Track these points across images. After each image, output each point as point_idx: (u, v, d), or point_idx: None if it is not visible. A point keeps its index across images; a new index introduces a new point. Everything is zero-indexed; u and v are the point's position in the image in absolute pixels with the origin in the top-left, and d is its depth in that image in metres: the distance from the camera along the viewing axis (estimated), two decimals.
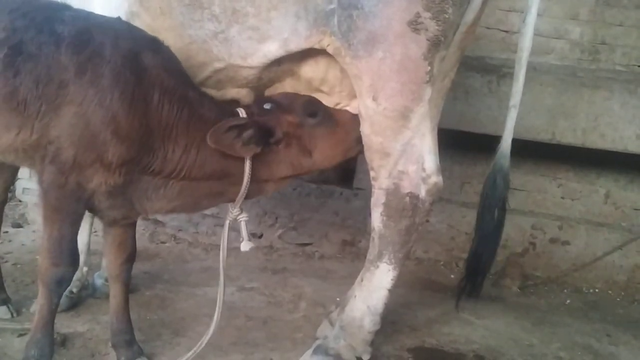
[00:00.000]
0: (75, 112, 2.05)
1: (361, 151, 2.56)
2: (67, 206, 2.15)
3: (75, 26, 2.13)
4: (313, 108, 2.41)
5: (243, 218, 2.47)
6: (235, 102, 2.66)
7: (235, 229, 4.32)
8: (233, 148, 2.21)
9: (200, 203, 2.44)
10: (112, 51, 2.10)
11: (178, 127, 2.21)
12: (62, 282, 2.23)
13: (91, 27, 2.15)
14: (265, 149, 2.30)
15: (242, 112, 2.35)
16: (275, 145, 2.35)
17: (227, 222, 2.50)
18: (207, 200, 2.44)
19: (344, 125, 2.48)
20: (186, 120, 2.21)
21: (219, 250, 2.56)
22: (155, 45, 2.27)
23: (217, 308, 2.50)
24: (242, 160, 2.29)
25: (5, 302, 2.88)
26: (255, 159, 2.31)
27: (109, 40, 2.12)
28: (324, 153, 2.44)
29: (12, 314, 2.86)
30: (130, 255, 2.51)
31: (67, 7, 2.26)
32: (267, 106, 2.37)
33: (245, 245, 2.49)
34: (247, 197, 2.42)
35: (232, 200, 2.43)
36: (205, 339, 2.48)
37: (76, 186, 2.12)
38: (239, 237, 4.38)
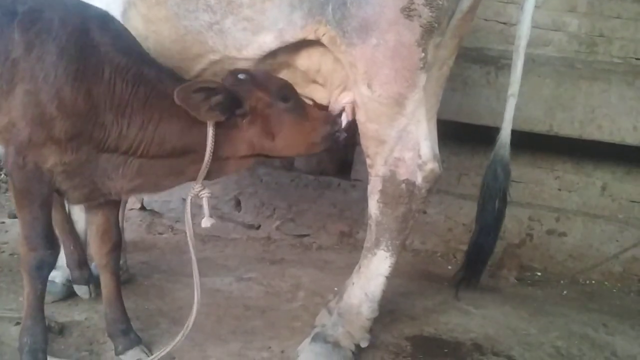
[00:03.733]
0: (25, 90, 2.05)
1: (327, 148, 2.52)
2: (31, 188, 2.14)
3: (30, 4, 2.14)
4: (286, 93, 2.35)
5: (205, 194, 2.40)
6: None
7: (233, 220, 4.37)
8: (198, 110, 2.15)
9: (162, 182, 2.38)
10: (59, 27, 2.09)
11: (133, 104, 2.17)
12: (42, 267, 2.22)
13: (43, 5, 2.15)
14: (228, 121, 2.24)
15: None
16: (240, 119, 2.28)
17: (189, 198, 2.43)
18: (169, 179, 2.38)
19: (313, 120, 2.42)
20: (142, 97, 2.18)
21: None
22: (106, 22, 2.23)
23: (195, 288, 2.45)
24: (203, 137, 2.23)
25: None
26: (216, 134, 2.25)
27: (58, 16, 2.11)
28: (286, 141, 2.36)
29: None
30: (115, 244, 2.51)
31: None
32: (241, 76, 2.31)
33: (206, 222, 2.42)
34: (209, 177, 2.38)
35: (194, 179, 2.38)
36: (191, 320, 2.44)
37: (34, 167, 2.11)
38: (236, 228, 4.44)
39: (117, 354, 2.51)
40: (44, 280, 2.27)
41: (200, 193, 2.39)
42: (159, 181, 2.36)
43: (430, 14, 2.25)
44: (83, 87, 2.08)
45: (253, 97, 2.28)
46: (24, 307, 2.28)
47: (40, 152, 2.10)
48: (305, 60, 2.59)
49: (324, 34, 2.40)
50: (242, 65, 2.56)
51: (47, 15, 2.11)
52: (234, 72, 2.35)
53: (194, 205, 2.42)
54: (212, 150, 2.24)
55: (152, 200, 4.53)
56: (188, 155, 2.29)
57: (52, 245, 2.23)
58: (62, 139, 2.09)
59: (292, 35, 2.43)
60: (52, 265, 2.28)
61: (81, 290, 2.96)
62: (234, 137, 2.30)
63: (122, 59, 2.16)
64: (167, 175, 2.34)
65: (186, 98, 2.12)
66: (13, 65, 2.07)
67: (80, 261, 2.99)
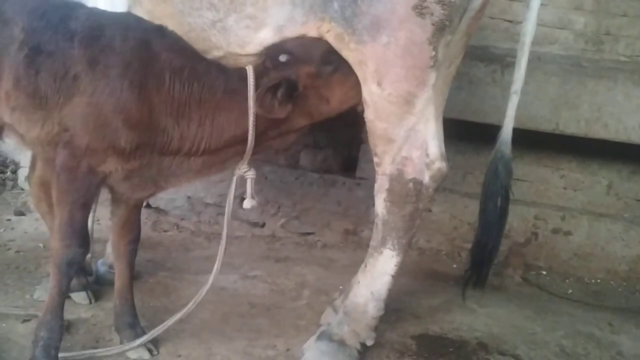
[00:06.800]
0: (87, 102, 2.14)
1: None
2: (78, 189, 2.20)
3: (88, 22, 2.24)
4: (327, 55, 2.40)
5: (250, 175, 2.48)
6: None
7: (238, 218, 4.38)
8: (272, 110, 2.25)
9: (226, 165, 2.50)
10: (121, 44, 2.20)
11: (190, 103, 2.27)
12: (73, 263, 2.27)
13: (103, 23, 2.26)
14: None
15: (249, 70, 2.35)
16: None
17: (235, 178, 2.52)
18: (233, 160, 2.48)
19: None
20: (197, 93, 2.28)
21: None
22: (161, 31, 2.34)
23: (217, 260, 2.63)
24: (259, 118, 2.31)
25: None
26: None
27: (119, 33, 2.22)
28: (341, 98, 2.47)
29: None
30: (135, 236, 2.59)
31: (81, 6, 2.36)
32: (282, 58, 2.35)
33: (247, 203, 2.51)
34: (271, 148, 2.52)
35: (258, 153, 2.48)
36: (204, 290, 2.60)
37: (88, 169, 2.18)
38: (240, 226, 4.44)
39: None
40: (70, 277, 2.33)
41: (246, 174, 2.48)
42: (224, 165, 2.48)
43: (442, 11, 2.24)
44: (147, 98, 2.19)
45: (302, 75, 2.34)
46: (46, 301, 2.31)
47: (97, 157, 2.18)
48: None
49: (328, 31, 2.39)
50: (245, 61, 2.56)
51: (109, 33, 2.21)
52: (274, 54, 2.39)
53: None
54: (253, 137, 2.33)
55: (158, 198, 4.53)
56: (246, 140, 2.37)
57: (85, 244, 2.30)
58: (127, 149, 2.18)
59: (292, 31, 2.43)
60: (81, 263, 2.36)
61: (79, 297, 2.96)
62: (292, 115, 2.37)
63: (177, 60, 2.27)
64: (232, 157, 2.45)
65: (263, 105, 2.23)
66: (74, 79, 2.15)
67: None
